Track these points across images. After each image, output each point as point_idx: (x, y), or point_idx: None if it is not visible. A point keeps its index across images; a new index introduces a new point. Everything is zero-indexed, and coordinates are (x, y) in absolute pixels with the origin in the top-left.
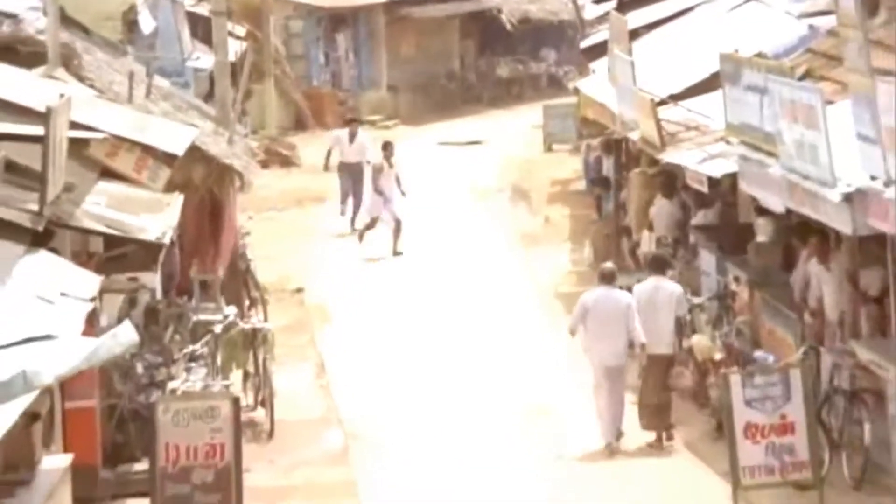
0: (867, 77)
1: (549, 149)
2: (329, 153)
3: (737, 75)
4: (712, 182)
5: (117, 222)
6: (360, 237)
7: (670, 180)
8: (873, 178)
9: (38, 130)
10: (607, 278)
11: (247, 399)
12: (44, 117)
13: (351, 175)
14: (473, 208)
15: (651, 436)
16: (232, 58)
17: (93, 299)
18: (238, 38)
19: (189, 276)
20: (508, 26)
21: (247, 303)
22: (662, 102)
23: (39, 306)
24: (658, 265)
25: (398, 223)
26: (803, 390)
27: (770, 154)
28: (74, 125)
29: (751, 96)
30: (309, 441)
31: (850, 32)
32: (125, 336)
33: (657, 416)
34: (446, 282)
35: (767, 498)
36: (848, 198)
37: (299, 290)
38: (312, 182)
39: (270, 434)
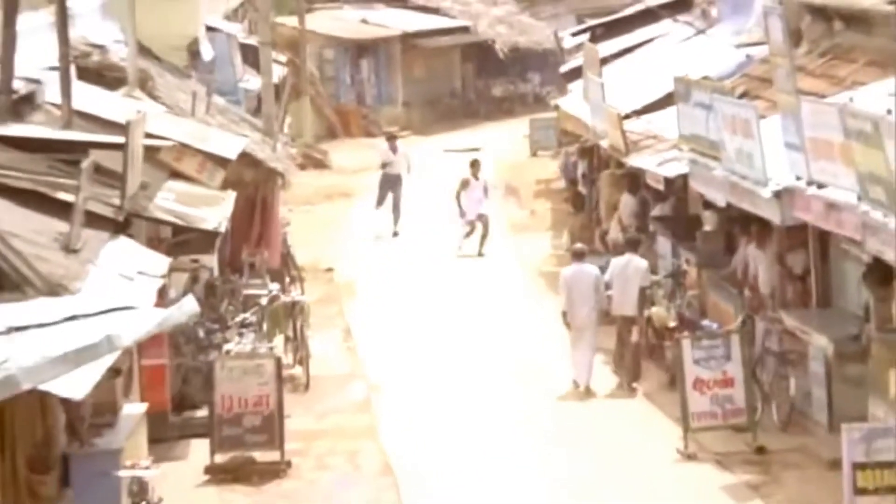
0: (793, 97)
1: (534, 154)
2: (384, 164)
3: (687, 94)
4: (667, 181)
5: (182, 214)
6: (460, 246)
7: (634, 180)
8: (798, 178)
9: (119, 139)
10: (578, 256)
11: (287, 359)
12: (124, 129)
13: (391, 185)
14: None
15: (622, 382)
16: (275, 80)
17: (163, 277)
18: (280, 63)
19: (240, 258)
20: (501, 54)
21: (287, 280)
22: (627, 116)
23: (121, 282)
24: (632, 244)
25: (486, 227)
26: (741, 352)
27: (714, 159)
28: (148, 135)
29: (699, 112)
30: (338, 393)
31: (779, 60)
32: (188, 307)
33: (627, 364)
34: (450, 261)
35: (711, 438)
36: (777, 194)
37: (329, 270)
38: (341, 181)
39: (307, 387)
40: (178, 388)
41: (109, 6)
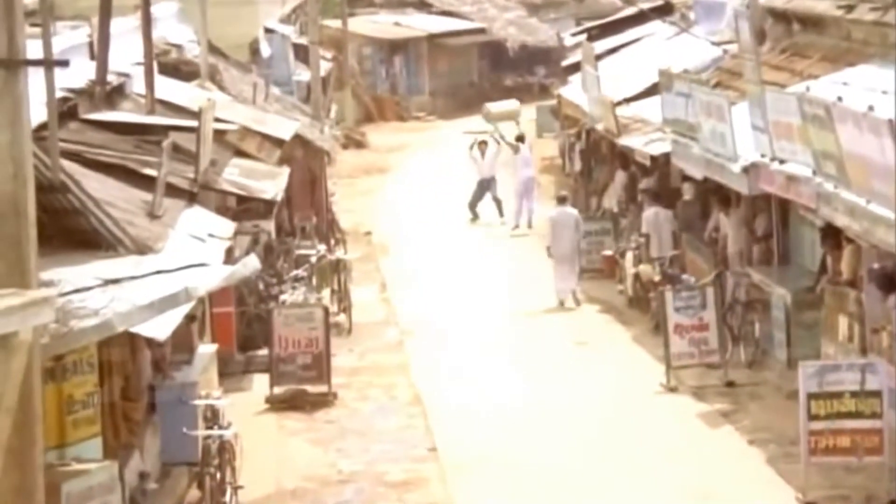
0: (758, 87)
1: (539, 136)
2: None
3: (670, 85)
4: (653, 158)
5: (244, 186)
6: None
7: (624, 159)
8: (763, 155)
9: (193, 123)
10: (562, 200)
11: (333, 308)
12: (197, 114)
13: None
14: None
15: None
16: (322, 73)
17: (229, 239)
18: (326, 59)
19: (294, 223)
20: (511, 52)
21: (333, 242)
22: (619, 103)
23: (195, 243)
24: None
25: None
26: (714, 301)
27: (693, 139)
28: (217, 119)
29: (679, 99)
30: (376, 336)
31: (746, 56)
32: (251, 264)
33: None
34: (468, 225)
35: (689, 374)
36: (745, 169)
37: (368, 233)
38: (377, 158)
39: (349, 331)
40: (242, 332)
41: (184, 12)
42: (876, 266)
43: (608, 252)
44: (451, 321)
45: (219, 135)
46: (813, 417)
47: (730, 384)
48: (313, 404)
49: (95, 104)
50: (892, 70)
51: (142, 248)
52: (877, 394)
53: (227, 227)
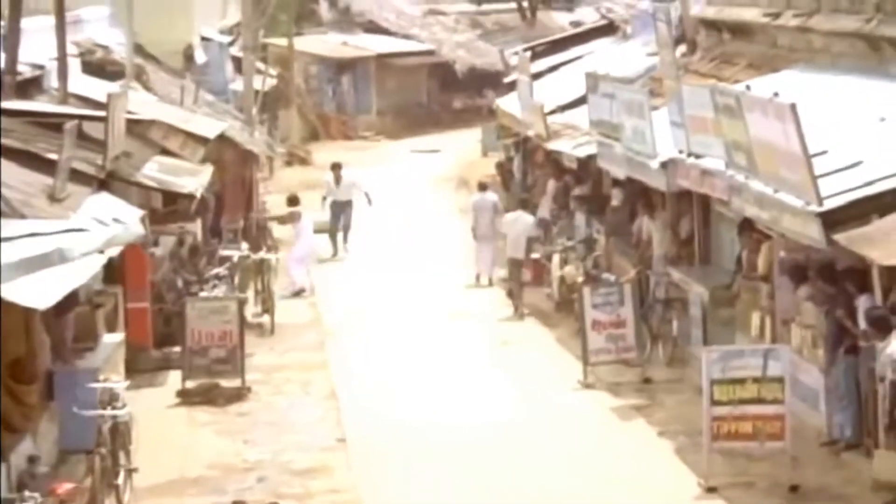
0: (675, 82)
1: (485, 154)
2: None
3: (595, 87)
4: (581, 163)
5: (162, 181)
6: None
7: (559, 167)
8: (680, 151)
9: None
10: (482, 187)
11: (257, 308)
12: (107, 100)
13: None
14: (431, 191)
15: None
16: (265, 88)
17: (142, 221)
18: (272, 76)
19: (222, 226)
20: (460, 74)
21: (265, 249)
22: (552, 112)
23: (97, 226)
24: (522, 203)
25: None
26: (632, 298)
27: (616, 139)
28: (142, 121)
29: (604, 101)
30: (298, 336)
31: (664, 52)
32: (134, 228)
33: (517, 296)
34: (408, 235)
35: (607, 371)
36: (664, 165)
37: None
38: (321, 175)
39: (272, 332)
40: (160, 329)
41: (116, 16)
42: (783, 254)
43: (536, 255)
44: (376, 323)
45: (135, 126)
46: (716, 403)
47: (646, 381)
48: (227, 398)
49: (6, 93)
50: (814, 73)
51: None
52: (779, 379)
53: (134, 213)
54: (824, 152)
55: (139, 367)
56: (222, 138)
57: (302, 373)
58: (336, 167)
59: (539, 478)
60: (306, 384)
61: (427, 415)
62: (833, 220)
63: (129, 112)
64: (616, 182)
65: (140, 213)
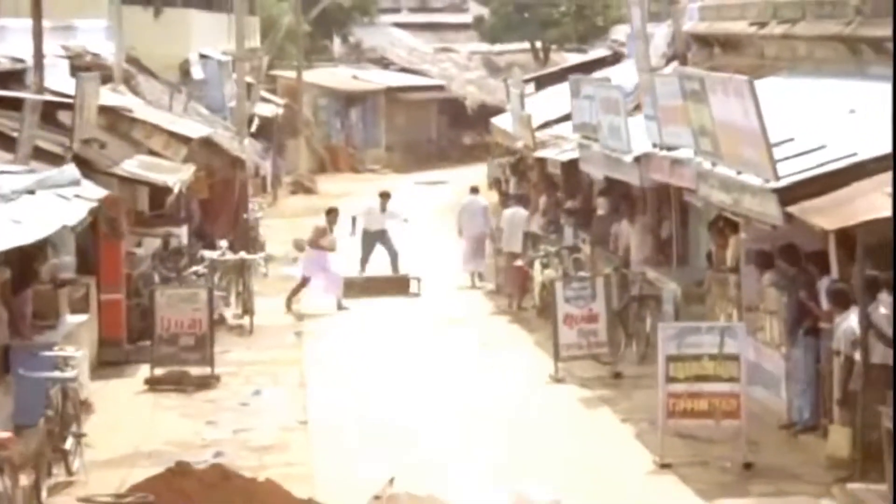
0: (648, 73)
1: (490, 187)
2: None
3: (578, 90)
4: (569, 174)
5: (138, 174)
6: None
7: (550, 183)
8: (654, 145)
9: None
10: (473, 191)
11: (237, 309)
12: (76, 82)
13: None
14: (435, 218)
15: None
16: (269, 114)
17: (97, 201)
18: (279, 105)
19: (208, 231)
20: (470, 111)
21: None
22: (542, 126)
23: (57, 200)
24: (518, 199)
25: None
26: (604, 293)
27: (595, 140)
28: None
29: (586, 103)
30: (276, 337)
31: (638, 44)
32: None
33: (513, 289)
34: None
35: (579, 366)
36: (637, 159)
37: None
38: (325, 202)
39: (251, 332)
40: (136, 324)
41: (112, 29)
42: (751, 244)
43: (519, 263)
44: (345, 324)
45: (125, 127)
46: (671, 380)
47: (617, 376)
48: (196, 386)
49: None
50: (797, 79)
51: None
52: (735, 357)
53: (97, 192)
54: (791, 139)
55: (112, 360)
56: (211, 146)
57: (274, 367)
58: (385, 196)
59: (495, 461)
60: (277, 376)
61: (393, 403)
62: (790, 197)
63: (112, 107)
64: (602, 192)
65: (104, 191)
